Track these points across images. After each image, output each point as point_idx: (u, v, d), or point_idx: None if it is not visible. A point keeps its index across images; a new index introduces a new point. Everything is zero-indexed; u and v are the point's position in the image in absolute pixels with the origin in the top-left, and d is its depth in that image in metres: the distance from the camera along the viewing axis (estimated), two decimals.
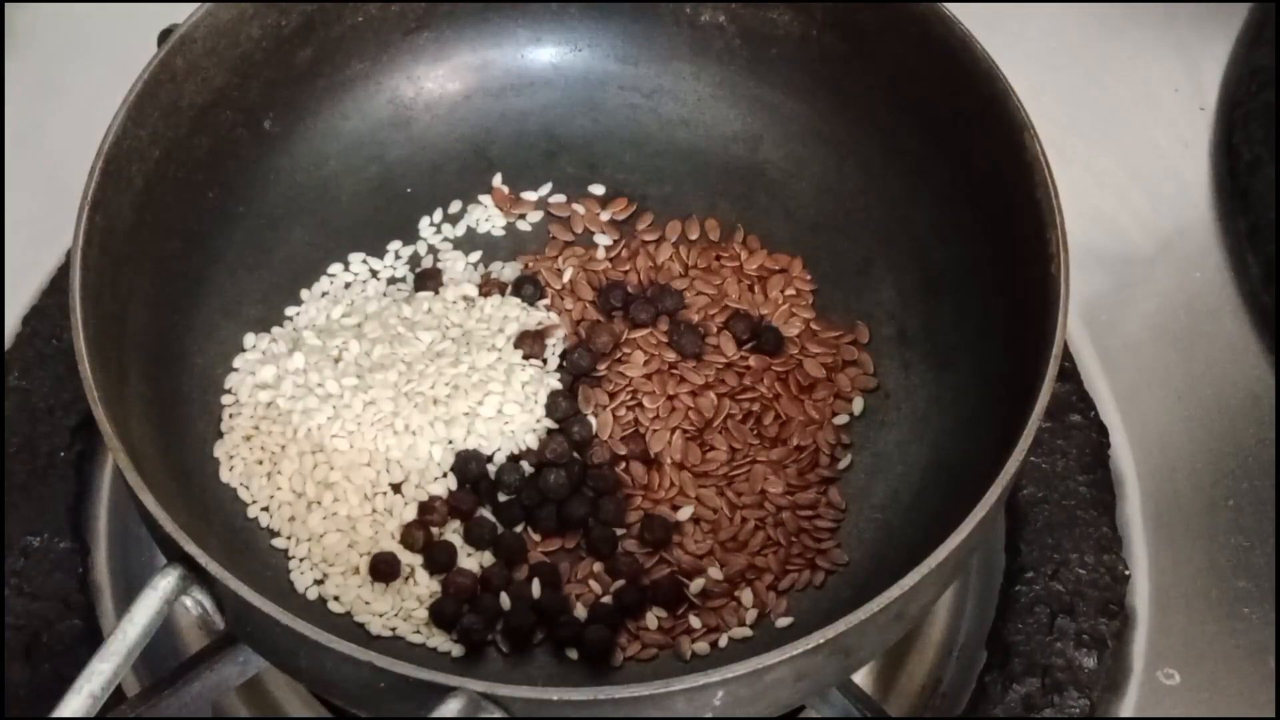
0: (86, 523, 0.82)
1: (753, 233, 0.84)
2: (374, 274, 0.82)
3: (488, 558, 0.75)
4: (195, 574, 0.61)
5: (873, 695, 0.78)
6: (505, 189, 0.85)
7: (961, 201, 0.78)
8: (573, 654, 0.72)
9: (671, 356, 0.79)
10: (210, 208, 0.79)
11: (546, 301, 0.81)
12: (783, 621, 0.73)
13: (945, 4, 0.76)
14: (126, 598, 0.80)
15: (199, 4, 0.75)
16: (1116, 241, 0.92)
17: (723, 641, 0.73)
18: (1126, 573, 0.80)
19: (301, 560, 0.74)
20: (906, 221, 0.81)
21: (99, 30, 0.97)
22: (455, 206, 0.84)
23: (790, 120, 0.85)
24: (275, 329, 0.80)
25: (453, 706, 0.57)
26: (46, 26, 0.98)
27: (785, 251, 0.83)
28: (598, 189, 0.85)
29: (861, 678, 0.79)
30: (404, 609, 0.73)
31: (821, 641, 0.60)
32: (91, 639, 0.77)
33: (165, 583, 0.61)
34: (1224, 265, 0.91)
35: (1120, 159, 0.95)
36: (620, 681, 0.71)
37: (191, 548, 0.61)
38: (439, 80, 0.85)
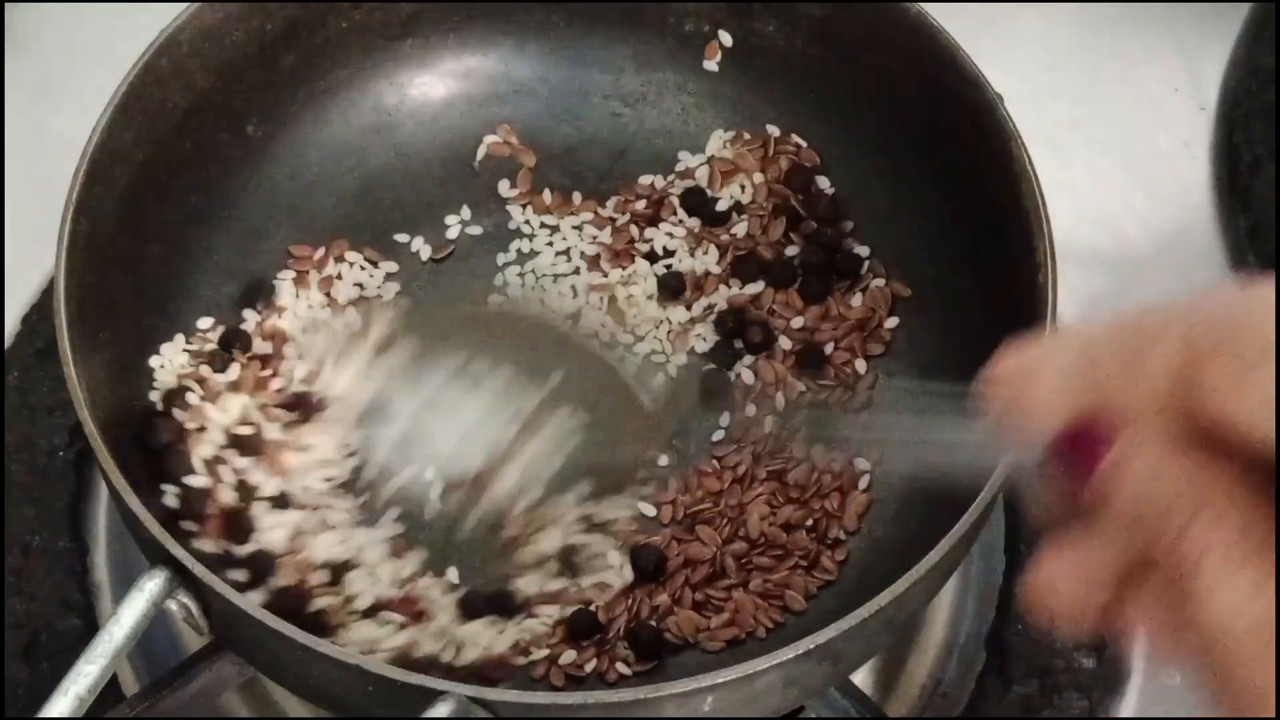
0: (85, 522, 0.82)
1: None
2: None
3: None
4: (181, 576, 0.61)
5: (872, 695, 0.78)
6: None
7: (948, 211, 0.78)
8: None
9: None
10: (192, 212, 0.78)
11: None
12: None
13: (935, 6, 0.76)
14: None
15: (185, 5, 0.75)
16: (1116, 241, 0.92)
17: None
18: None
19: None
20: (891, 232, 0.81)
21: (99, 30, 0.97)
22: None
23: (777, 129, 0.84)
24: None
25: (441, 710, 0.57)
26: (46, 26, 0.98)
27: None
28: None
29: (861, 678, 0.79)
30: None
31: (811, 648, 0.60)
32: (91, 638, 0.77)
33: (152, 585, 0.61)
34: (1224, 265, 0.91)
35: (1120, 159, 0.95)
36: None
37: (176, 550, 0.61)
38: (422, 87, 0.85)
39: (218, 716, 0.78)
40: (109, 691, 0.75)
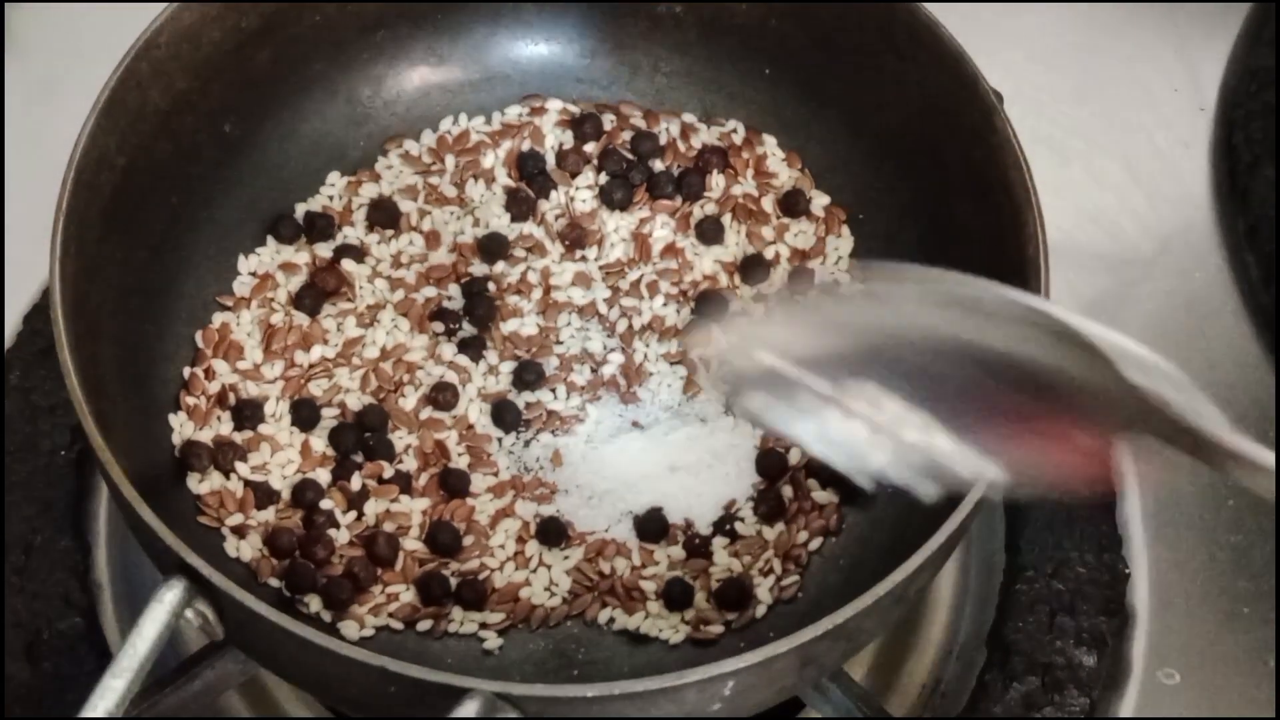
0: (87, 521, 0.82)
1: None
2: None
3: None
4: (198, 585, 0.61)
5: (874, 694, 0.78)
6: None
7: (932, 186, 0.78)
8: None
9: None
10: (175, 215, 0.78)
11: None
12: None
13: (936, 6, 0.76)
14: (127, 596, 0.80)
15: (164, 6, 0.75)
16: (1116, 241, 0.92)
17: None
18: (1126, 571, 0.81)
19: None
20: (874, 207, 0.81)
21: (99, 30, 0.97)
22: None
23: (751, 108, 0.85)
24: None
25: (470, 708, 0.57)
26: (46, 26, 0.98)
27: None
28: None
29: (862, 676, 0.79)
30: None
31: (830, 628, 0.60)
32: (92, 637, 0.77)
33: (170, 595, 0.60)
34: (1224, 265, 0.91)
35: (1120, 159, 0.95)
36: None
37: (194, 560, 0.61)
38: (396, 78, 0.85)
39: (218, 716, 0.78)
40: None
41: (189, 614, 0.61)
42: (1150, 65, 0.98)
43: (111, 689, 0.58)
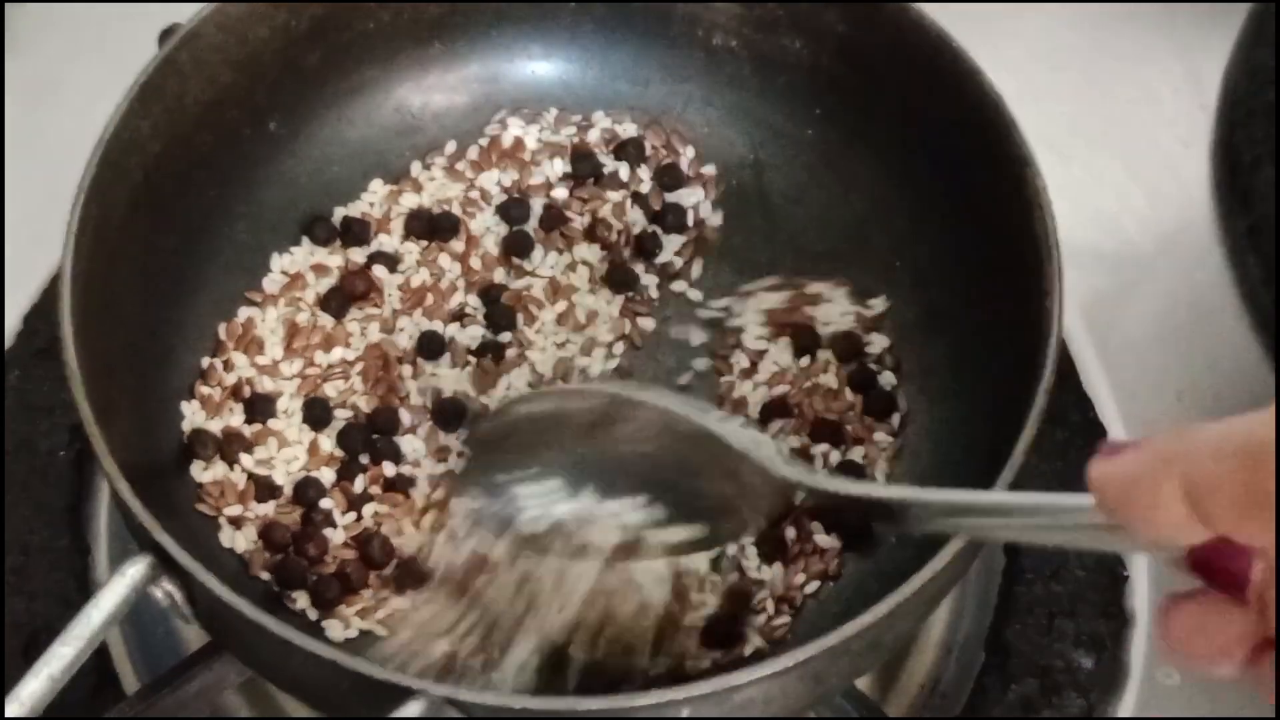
0: (86, 522, 0.82)
1: (755, 259, 0.83)
2: None
3: None
4: (165, 564, 0.61)
5: (871, 695, 0.78)
6: None
7: (965, 236, 0.77)
8: None
9: None
10: (210, 206, 0.78)
11: None
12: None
13: (936, 6, 0.75)
14: None
15: (205, 2, 0.75)
16: (1116, 241, 0.92)
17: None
18: (1125, 574, 0.80)
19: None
20: (909, 254, 0.81)
21: (99, 30, 0.97)
22: None
23: (797, 147, 0.84)
24: None
25: (413, 709, 0.57)
26: (46, 26, 0.98)
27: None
28: None
29: (860, 678, 0.79)
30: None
31: (790, 665, 0.59)
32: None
33: (134, 570, 0.60)
34: (1224, 265, 0.91)
35: (1120, 159, 0.95)
36: None
37: (161, 536, 0.60)
38: (447, 91, 0.85)
39: (218, 716, 0.78)
40: (109, 691, 0.76)
41: (158, 593, 0.61)
42: (1150, 65, 0.98)
43: (59, 655, 0.58)
